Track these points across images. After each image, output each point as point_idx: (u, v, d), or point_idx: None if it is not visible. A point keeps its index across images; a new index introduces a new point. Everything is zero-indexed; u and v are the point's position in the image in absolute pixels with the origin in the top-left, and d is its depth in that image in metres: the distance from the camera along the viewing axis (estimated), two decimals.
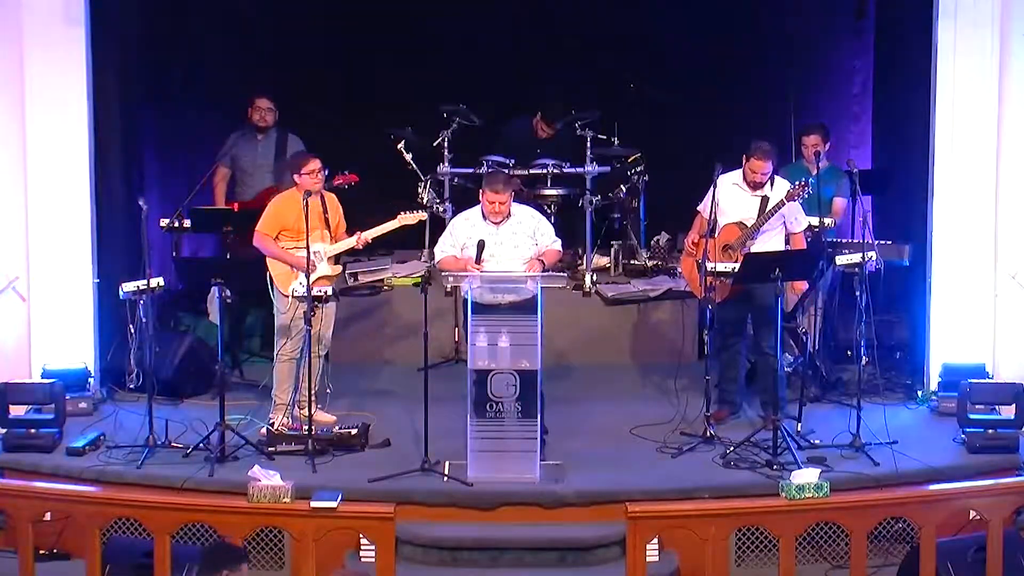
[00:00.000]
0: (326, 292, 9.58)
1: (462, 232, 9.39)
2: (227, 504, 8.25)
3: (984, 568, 8.07)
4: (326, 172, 9.77)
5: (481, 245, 9.22)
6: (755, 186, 9.66)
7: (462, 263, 9.28)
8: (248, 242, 9.84)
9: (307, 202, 9.37)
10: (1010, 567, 8.08)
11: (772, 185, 9.68)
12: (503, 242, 9.31)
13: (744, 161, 9.65)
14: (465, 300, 9.07)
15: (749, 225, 9.62)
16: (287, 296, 9.61)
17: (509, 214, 9.34)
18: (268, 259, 9.66)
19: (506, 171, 11.23)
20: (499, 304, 8.99)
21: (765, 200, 9.62)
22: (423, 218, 9.99)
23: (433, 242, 11.84)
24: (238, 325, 11.09)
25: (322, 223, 9.67)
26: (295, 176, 9.72)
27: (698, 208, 9.83)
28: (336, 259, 9.84)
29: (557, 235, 9.64)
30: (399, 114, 12.02)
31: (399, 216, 9.91)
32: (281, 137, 11.46)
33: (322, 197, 9.71)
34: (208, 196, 11.56)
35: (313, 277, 9.53)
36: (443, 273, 9.40)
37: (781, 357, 9.67)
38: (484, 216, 9.34)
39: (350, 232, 9.83)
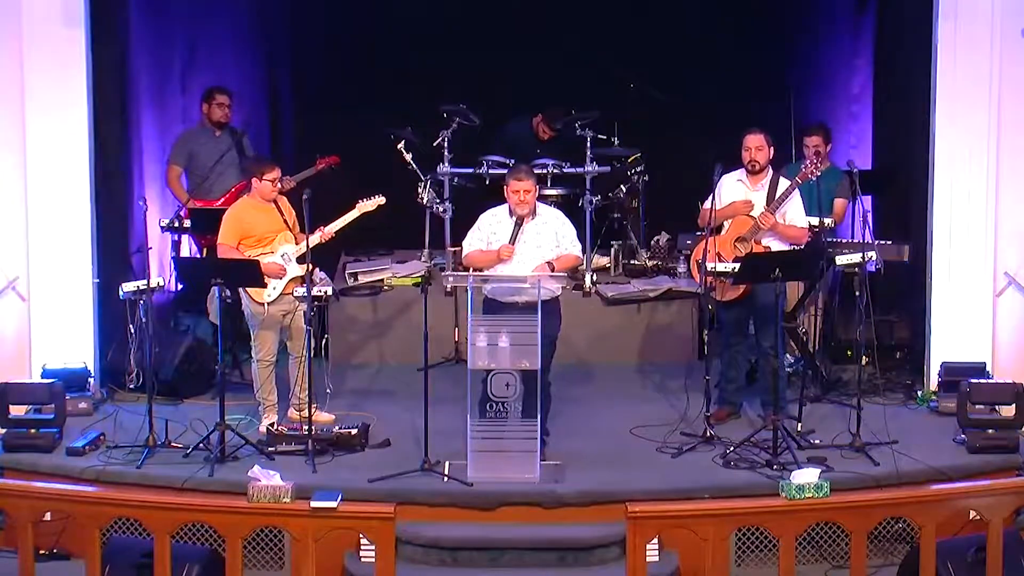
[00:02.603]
0: (327, 292, 9.57)
1: (488, 227, 9.36)
2: (227, 504, 8.24)
3: (984, 568, 8.07)
4: (283, 177, 9.75)
5: (519, 222, 9.16)
6: (755, 171, 9.66)
7: (491, 254, 9.23)
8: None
9: (308, 200, 9.32)
10: (1010, 567, 8.08)
11: (778, 183, 9.68)
12: (527, 240, 9.25)
13: (742, 152, 9.68)
14: (484, 298, 9.03)
15: (758, 217, 9.62)
16: (261, 304, 9.58)
17: (535, 212, 9.32)
18: None
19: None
20: (516, 303, 8.99)
21: (772, 193, 9.63)
22: (381, 203, 9.90)
23: (433, 242, 11.94)
24: (238, 325, 11.07)
25: (284, 226, 9.66)
26: (254, 180, 9.68)
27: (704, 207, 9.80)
28: (301, 258, 9.68)
29: None
30: (399, 114, 12.02)
31: (357, 205, 9.86)
32: (235, 134, 11.44)
33: (275, 202, 9.70)
34: (170, 198, 11.54)
35: (285, 280, 9.55)
36: (443, 273, 9.38)
37: (782, 357, 9.67)
38: (510, 213, 9.32)
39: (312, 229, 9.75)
